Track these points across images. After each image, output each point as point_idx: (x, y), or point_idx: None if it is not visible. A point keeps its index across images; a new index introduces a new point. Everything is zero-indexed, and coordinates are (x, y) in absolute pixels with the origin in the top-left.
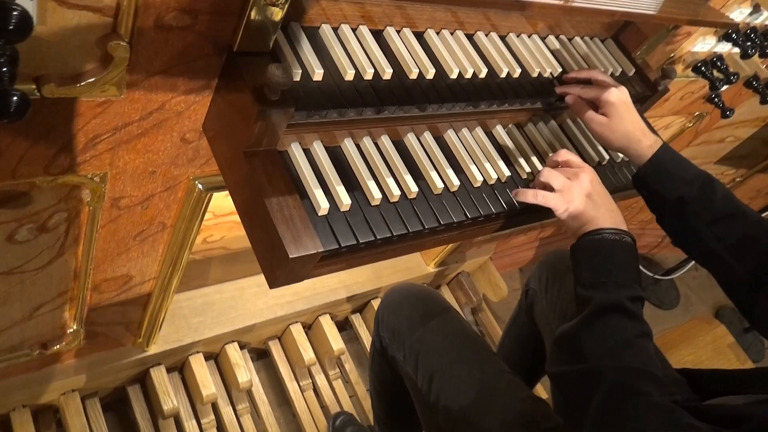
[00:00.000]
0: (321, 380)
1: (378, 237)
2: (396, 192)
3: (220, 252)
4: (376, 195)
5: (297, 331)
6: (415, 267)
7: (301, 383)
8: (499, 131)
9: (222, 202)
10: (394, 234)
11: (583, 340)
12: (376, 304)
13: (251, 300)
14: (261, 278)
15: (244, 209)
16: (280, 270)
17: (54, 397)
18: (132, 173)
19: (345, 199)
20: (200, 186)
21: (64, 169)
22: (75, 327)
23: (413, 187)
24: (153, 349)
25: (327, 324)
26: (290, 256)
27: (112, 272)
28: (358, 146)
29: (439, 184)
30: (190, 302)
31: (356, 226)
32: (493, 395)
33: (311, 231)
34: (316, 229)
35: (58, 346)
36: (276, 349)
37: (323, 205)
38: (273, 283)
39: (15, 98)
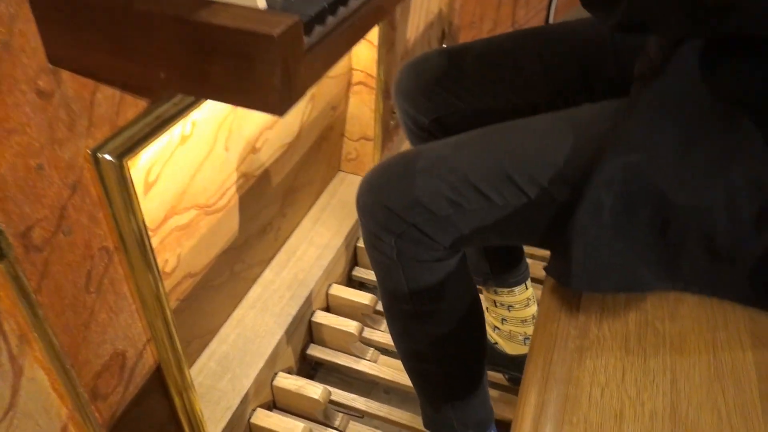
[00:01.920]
0: (380, 337)
1: None
2: None
3: (190, 285)
4: None
5: (323, 317)
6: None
7: (367, 357)
8: None
9: (149, 204)
10: None
11: None
12: (361, 243)
13: (257, 322)
14: (250, 297)
15: (178, 61)
16: (273, 76)
17: None
18: (14, 180)
19: None
20: (108, 156)
21: None
22: None
23: None
24: None
25: (341, 290)
26: (274, 35)
27: (97, 357)
28: None
29: None
30: (206, 369)
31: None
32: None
33: (269, 10)
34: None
35: None
36: (320, 351)
37: None
38: (280, 107)
39: None
